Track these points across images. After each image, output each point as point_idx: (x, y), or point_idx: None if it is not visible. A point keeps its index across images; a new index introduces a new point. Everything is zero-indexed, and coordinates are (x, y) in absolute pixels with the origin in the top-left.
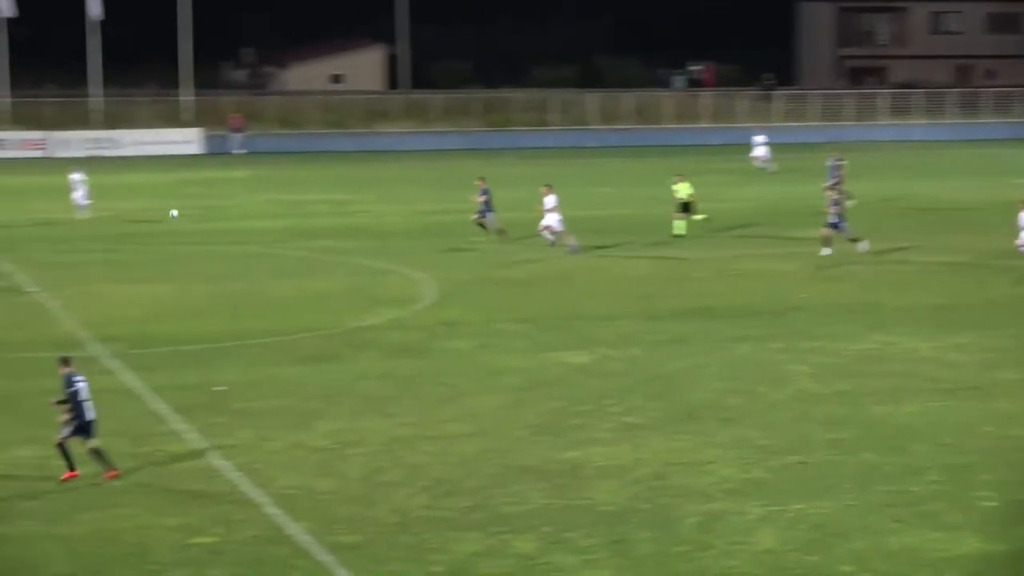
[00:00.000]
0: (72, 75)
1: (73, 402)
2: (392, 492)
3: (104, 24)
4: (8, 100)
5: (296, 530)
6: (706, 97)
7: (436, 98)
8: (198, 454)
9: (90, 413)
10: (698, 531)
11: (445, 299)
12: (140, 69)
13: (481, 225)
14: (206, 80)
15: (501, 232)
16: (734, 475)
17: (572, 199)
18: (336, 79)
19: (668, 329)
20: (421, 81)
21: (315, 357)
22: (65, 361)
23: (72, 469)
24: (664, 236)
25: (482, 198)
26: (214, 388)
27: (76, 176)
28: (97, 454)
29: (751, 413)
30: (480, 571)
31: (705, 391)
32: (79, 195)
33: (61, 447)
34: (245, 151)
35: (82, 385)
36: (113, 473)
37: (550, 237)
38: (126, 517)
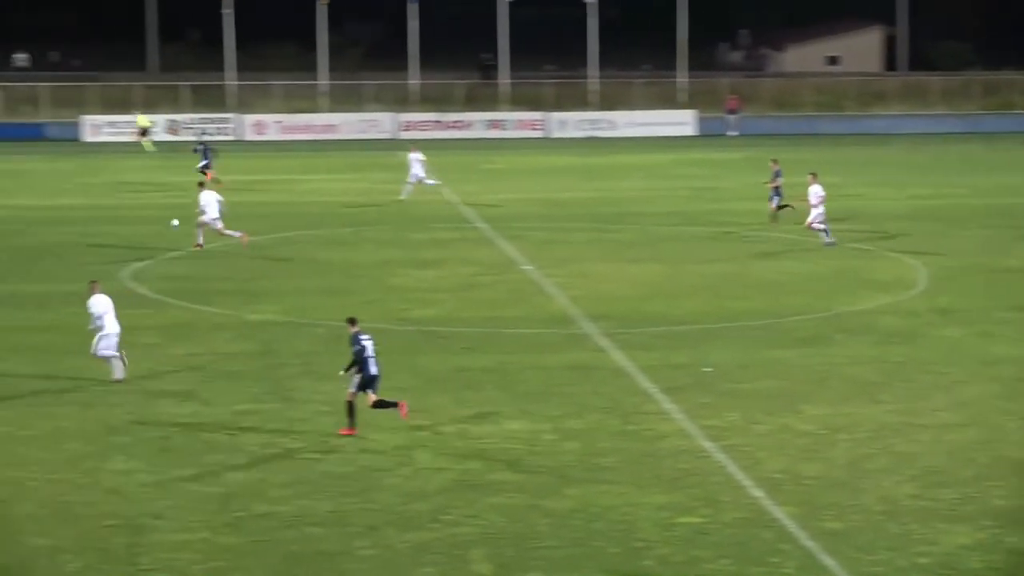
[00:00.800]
0: (571, 56)
1: (359, 359)
2: (879, 480)
3: (602, 5)
4: (508, 82)
5: (781, 514)
6: None
7: (934, 80)
8: (685, 434)
9: (374, 369)
10: None
11: (937, 285)
12: (637, 50)
13: (783, 208)
14: (702, 62)
15: (774, 218)
16: None
17: None
18: (832, 61)
19: None
20: (919, 62)
21: (804, 340)
22: (352, 321)
23: (352, 428)
24: None
25: (776, 182)
26: (702, 369)
27: (415, 155)
28: (381, 404)
29: None
30: (970, 565)
31: None
32: (419, 174)
33: (350, 404)
34: (738, 133)
35: (367, 343)
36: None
37: (821, 229)
38: (614, 494)
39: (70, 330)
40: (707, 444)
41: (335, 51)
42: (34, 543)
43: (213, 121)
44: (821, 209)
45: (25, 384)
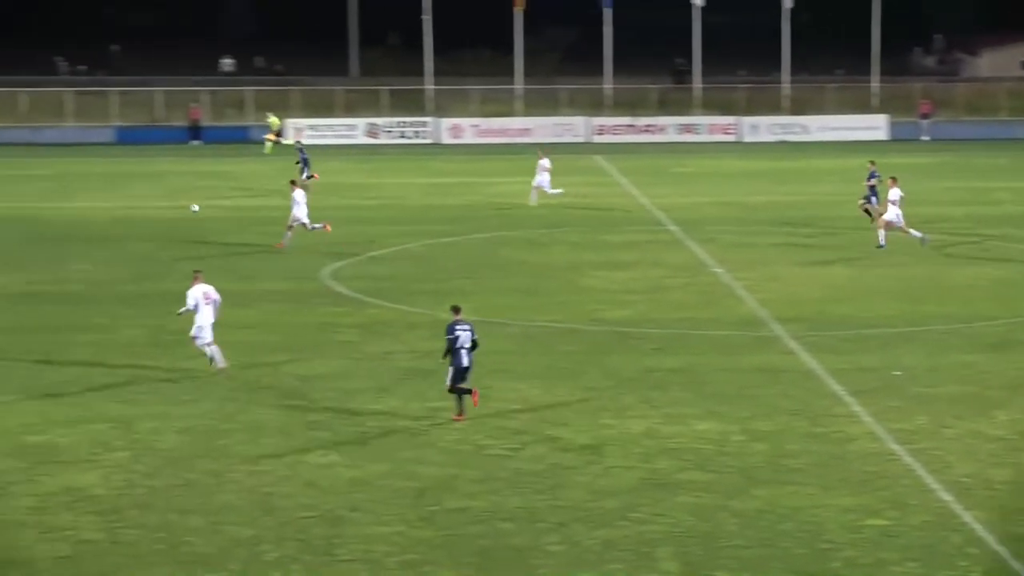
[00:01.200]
0: (763, 61)
1: (450, 348)
2: None
3: (795, 10)
4: (701, 86)
5: (969, 518)
6: None
7: None
8: (874, 437)
9: (466, 360)
10: None
11: None
12: (829, 55)
13: (867, 212)
14: (895, 66)
15: (872, 216)
16: None
17: None
18: None
19: None
20: None
21: (996, 345)
22: (456, 310)
23: (460, 413)
24: None
25: (870, 182)
26: (891, 372)
27: (543, 162)
28: (457, 396)
29: None
30: None
31: None
32: (542, 180)
33: (454, 392)
34: (931, 138)
35: (461, 334)
36: (460, 416)
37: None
38: (802, 495)
39: (271, 327)
40: (896, 447)
41: (531, 56)
42: (234, 533)
43: (411, 124)
44: (899, 211)
45: (226, 378)
